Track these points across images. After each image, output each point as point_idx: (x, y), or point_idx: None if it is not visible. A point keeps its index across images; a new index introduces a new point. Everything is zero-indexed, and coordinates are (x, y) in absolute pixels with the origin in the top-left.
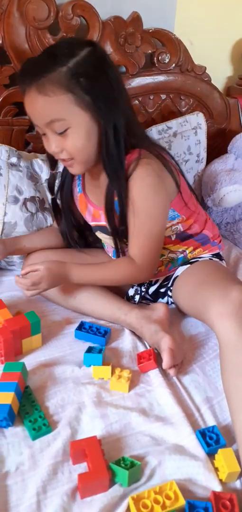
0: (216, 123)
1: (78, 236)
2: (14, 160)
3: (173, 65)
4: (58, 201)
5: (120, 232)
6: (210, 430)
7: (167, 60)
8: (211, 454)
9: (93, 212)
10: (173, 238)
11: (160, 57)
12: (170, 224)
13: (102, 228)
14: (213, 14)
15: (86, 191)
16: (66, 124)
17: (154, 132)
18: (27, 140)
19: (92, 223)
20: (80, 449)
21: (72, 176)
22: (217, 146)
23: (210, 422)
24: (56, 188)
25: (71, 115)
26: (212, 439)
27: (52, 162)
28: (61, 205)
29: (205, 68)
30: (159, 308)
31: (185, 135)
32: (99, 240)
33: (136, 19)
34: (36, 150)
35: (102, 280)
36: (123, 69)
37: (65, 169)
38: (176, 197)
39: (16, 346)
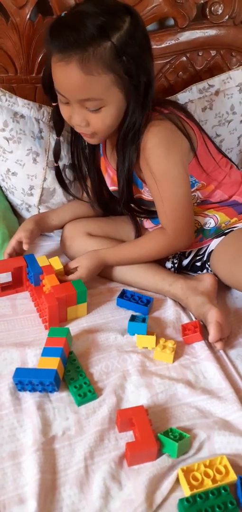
0: None
1: (109, 200)
2: None
3: (227, 17)
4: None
5: (131, 202)
6: None
7: (220, 11)
8: None
9: (112, 176)
10: (195, 205)
11: (212, 8)
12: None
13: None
14: None
15: (106, 154)
16: (101, 103)
17: (194, 91)
18: None
19: (111, 188)
20: (127, 418)
21: None
22: None
23: None
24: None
25: (108, 95)
26: None
27: (59, 128)
28: (87, 165)
29: None
30: (206, 279)
31: (228, 93)
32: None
33: None
34: None
35: (137, 258)
36: (171, 21)
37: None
38: (193, 161)
39: (61, 313)
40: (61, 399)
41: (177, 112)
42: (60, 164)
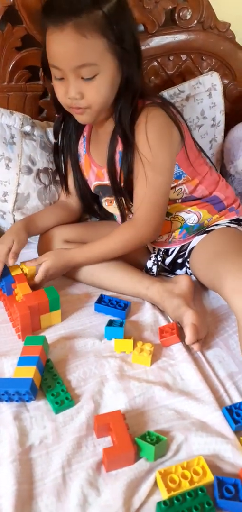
0: (240, 85)
1: (89, 203)
2: (28, 128)
3: (195, 21)
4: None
5: (122, 190)
6: (237, 406)
7: (188, 17)
8: (238, 431)
9: (96, 172)
10: (179, 202)
11: (181, 13)
12: (175, 184)
13: (105, 189)
14: None
15: (90, 151)
16: (96, 69)
17: (165, 96)
18: (40, 107)
19: (95, 183)
20: (104, 423)
21: (77, 137)
22: (240, 110)
23: (236, 398)
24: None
25: (102, 61)
26: (239, 416)
27: (59, 105)
28: (71, 165)
29: (229, 24)
30: (182, 281)
31: (198, 98)
32: (110, 215)
33: None
34: (50, 117)
35: (104, 254)
36: (142, 27)
37: (69, 130)
38: (181, 152)
39: (34, 321)
40: (38, 407)
41: (165, 103)
42: (34, 168)
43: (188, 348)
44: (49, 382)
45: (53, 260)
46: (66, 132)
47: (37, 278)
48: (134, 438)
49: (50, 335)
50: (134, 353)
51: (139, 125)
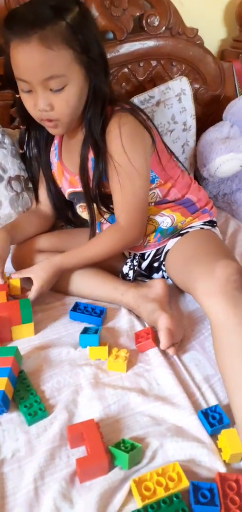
0: (210, 89)
1: (63, 210)
2: None
3: (163, 28)
4: (39, 173)
5: (95, 196)
6: (212, 409)
7: (156, 23)
8: (214, 435)
9: (69, 179)
10: (152, 205)
11: (149, 20)
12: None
13: (79, 195)
14: None
15: (62, 159)
16: (64, 80)
17: (136, 102)
18: (12, 116)
19: (69, 190)
20: (77, 433)
21: (47, 145)
22: (211, 114)
23: (212, 400)
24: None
25: (70, 71)
26: (215, 419)
27: (24, 118)
28: (44, 176)
29: (197, 30)
30: (157, 285)
31: (168, 104)
32: (86, 221)
33: None
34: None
35: (92, 257)
36: (111, 35)
37: (38, 139)
38: (153, 156)
39: (4, 332)
40: (11, 420)
41: (134, 108)
42: (5, 176)
43: (164, 352)
44: (22, 394)
45: (43, 277)
46: (34, 141)
47: (32, 297)
48: (108, 446)
49: (24, 345)
50: (109, 360)
51: (110, 132)
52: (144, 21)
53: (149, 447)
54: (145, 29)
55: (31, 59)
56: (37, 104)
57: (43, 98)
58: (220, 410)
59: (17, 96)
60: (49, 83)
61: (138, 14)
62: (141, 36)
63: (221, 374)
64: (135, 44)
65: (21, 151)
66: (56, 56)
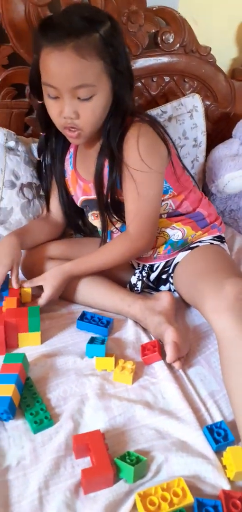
0: (221, 106)
1: (74, 219)
2: (12, 144)
3: (177, 45)
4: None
5: (108, 204)
6: (218, 425)
7: (171, 40)
8: (219, 451)
9: (83, 187)
10: (164, 217)
11: (164, 37)
12: (162, 199)
13: (92, 203)
14: None
15: (76, 167)
16: (93, 90)
17: (151, 115)
18: (26, 124)
19: (82, 198)
20: (83, 443)
21: (62, 154)
22: (221, 131)
23: (217, 416)
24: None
25: (99, 82)
26: (220, 435)
27: (44, 124)
28: (58, 184)
29: (210, 48)
30: (164, 298)
31: (180, 119)
32: (95, 230)
33: None
34: (36, 134)
35: (102, 264)
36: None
37: (54, 148)
38: (168, 167)
39: (10, 338)
40: (17, 427)
41: (153, 120)
42: (18, 182)
43: (170, 366)
44: (28, 401)
45: (53, 284)
46: (50, 150)
47: (42, 303)
48: (114, 458)
49: (31, 352)
50: (115, 371)
51: (128, 140)
52: (159, 38)
53: (154, 461)
54: (160, 45)
55: (64, 66)
56: (63, 111)
57: (70, 105)
58: (225, 426)
59: (40, 102)
60: (78, 91)
61: (153, 30)
62: (156, 52)
63: (227, 391)
64: (149, 60)
65: (38, 158)
66: (88, 66)
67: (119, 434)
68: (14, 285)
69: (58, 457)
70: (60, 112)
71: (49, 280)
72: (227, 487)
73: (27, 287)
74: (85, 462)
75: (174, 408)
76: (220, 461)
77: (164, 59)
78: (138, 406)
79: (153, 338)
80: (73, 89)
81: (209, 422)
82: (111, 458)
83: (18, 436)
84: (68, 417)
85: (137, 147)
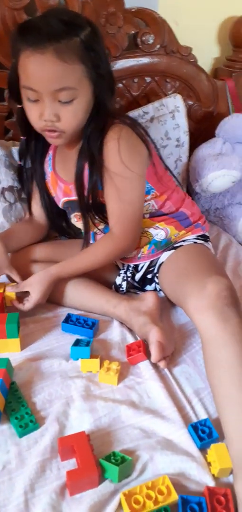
0: (204, 106)
1: (56, 221)
2: None
3: (158, 46)
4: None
5: (90, 205)
6: (202, 423)
7: (151, 41)
8: (204, 449)
9: (63, 188)
10: (147, 216)
11: (143, 38)
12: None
13: (74, 204)
14: None
15: (56, 169)
16: (74, 94)
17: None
18: (6, 127)
19: (63, 199)
20: (68, 445)
21: (42, 156)
22: (204, 130)
23: (202, 414)
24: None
25: (81, 86)
26: (204, 433)
27: (24, 128)
28: (38, 187)
29: (191, 49)
30: (149, 298)
31: (162, 120)
32: (80, 232)
33: None
34: (16, 137)
35: (87, 266)
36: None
37: (34, 151)
38: (149, 168)
39: None
40: (2, 432)
41: (132, 121)
42: None
43: (155, 365)
44: (13, 405)
45: (40, 289)
46: (30, 152)
47: (28, 308)
48: (99, 459)
49: (16, 357)
50: (100, 373)
51: (108, 143)
52: (138, 39)
53: (139, 460)
54: (140, 46)
55: (45, 69)
56: (43, 114)
57: (51, 108)
58: (210, 424)
59: (19, 106)
60: (59, 94)
61: (133, 32)
62: (136, 53)
63: (211, 388)
64: (130, 61)
65: (19, 162)
66: (70, 69)
67: (104, 435)
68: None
69: (44, 460)
70: (40, 115)
71: (36, 285)
72: (211, 483)
73: (13, 291)
74: (71, 464)
75: (159, 407)
76: (204, 458)
77: (145, 60)
78: (123, 406)
79: (139, 338)
80: (54, 92)
81: (194, 420)
82: (97, 459)
83: (3, 440)
84: (54, 419)
85: (117, 150)
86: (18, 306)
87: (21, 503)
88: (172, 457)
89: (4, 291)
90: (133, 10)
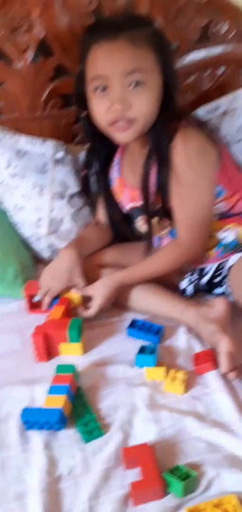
0: None
1: (119, 228)
2: (60, 155)
3: (233, 33)
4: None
5: (155, 211)
6: None
7: (225, 30)
8: None
9: (130, 194)
10: (216, 218)
11: (216, 28)
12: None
13: (138, 209)
14: None
15: (123, 174)
16: (146, 78)
17: (202, 113)
18: (74, 133)
19: (129, 205)
20: (132, 456)
21: (107, 163)
22: None
23: None
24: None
25: (152, 71)
26: None
27: (91, 135)
28: (102, 194)
29: None
30: (218, 304)
31: (237, 113)
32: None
33: None
34: (84, 142)
35: (153, 273)
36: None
37: (100, 158)
38: (220, 168)
39: (50, 347)
40: (68, 437)
41: (201, 122)
42: (67, 193)
43: (224, 376)
44: (79, 411)
45: (105, 293)
46: (96, 159)
47: (92, 313)
48: (163, 472)
49: (82, 361)
50: (166, 381)
51: (176, 146)
52: (211, 29)
53: (204, 475)
54: (212, 37)
55: (115, 53)
56: (113, 104)
57: (122, 93)
58: None
59: (84, 112)
60: (131, 76)
61: (204, 23)
62: (208, 44)
63: None
64: (201, 52)
65: (84, 172)
66: (142, 53)
67: (169, 446)
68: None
69: (108, 468)
70: (109, 106)
71: (100, 290)
72: None
73: (77, 294)
74: (134, 473)
75: (228, 420)
76: None
77: (218, 50)
78: (189, 417)
79: (206, 346)
80: (125, 75)
81: None
82: (161, 471)
83: (69, 445)
84: (118, 427)
85: (184, 153)
86: (81, 312)
87: (86, 508)
88: (240, 475)
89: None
90: (204, 0)
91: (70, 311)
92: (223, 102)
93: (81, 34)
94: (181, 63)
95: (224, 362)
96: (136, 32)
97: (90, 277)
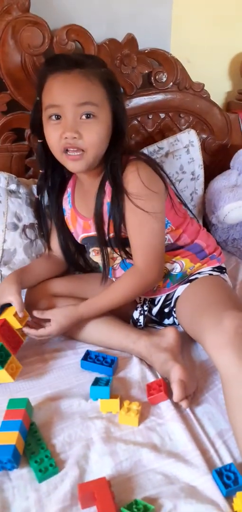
0: (217, 139)
1: (76, 255)
2: (13, 187)
3: (171, 83)
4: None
5: (109, 240)
6: (227, 468)
7: (164, 79)
8: (229, 496)
9: (83, 224)
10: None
11: (157, 77)
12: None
13: (92, 240)
14: (209, 31)
15: (75, 206)
16: (97, 111)
17: (146, 152)
18: (27, 166)
19: (82, 235)
20: (88, 492)
21: (59, 193)
22: (219, 162)
23: (226, 458)
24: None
25: (102, 106)
26: (230, 479)
27: (44, 162)
28: (55, 224)
29: (203, 85)
30: (169, 334)
31: (177, 154)
32: (97, 267)
33: (131, 40)
34: (36, 175)
35: (113, 303)
36: (121, 90)
37: (54, 186)
38: (166, 202)
39: None
40: (21, 476)
41: (148, 158)
42: (20, 224)
43: (177, 405)
44: (33, 448)
45: (62, 323)
46: (48, 188)
47: (41, 333)
48: (120, 508)
49: (36, 395)
50: (121, 413)
51: (128, 175)
52: (152, 78)
53: (162, 509)
54: (154, 84)
55: (69, 85)
56: (65, 132)
57: (74, 123)
58: (235, 469)
59: (40, 141)
60: (83, 108)
61: (146, 71)
62: (150, 91)
63: (233, 430)
64: (144, 98)
65: (37, 196)
66: (93, 87)
67: (125, 481)
68: (20, 314)
69: (64, 508)
70: (61, 134)
71: (59, 318)
72: None
73: (38, 316)
74: (92, 511)
75: (182, 450)
76: (230, 507)
77: (159, 97)
78: (144, 449)
79: (159, 376)
80: (77, 106)
81: (218, 464)
82: (118, 507)
83: (23, 486)
84: (73, 463)
85: (138, 181)
86: (30, 331)
87: None
88: (196, 506)
89: (14, 315)
90: (146, 51)
91: (6, 331)
92: (165, 144)
93: (33, 73)
94: (126, 106)
95: (176, 391)
96: (90, 69)
97: (40, 305)
